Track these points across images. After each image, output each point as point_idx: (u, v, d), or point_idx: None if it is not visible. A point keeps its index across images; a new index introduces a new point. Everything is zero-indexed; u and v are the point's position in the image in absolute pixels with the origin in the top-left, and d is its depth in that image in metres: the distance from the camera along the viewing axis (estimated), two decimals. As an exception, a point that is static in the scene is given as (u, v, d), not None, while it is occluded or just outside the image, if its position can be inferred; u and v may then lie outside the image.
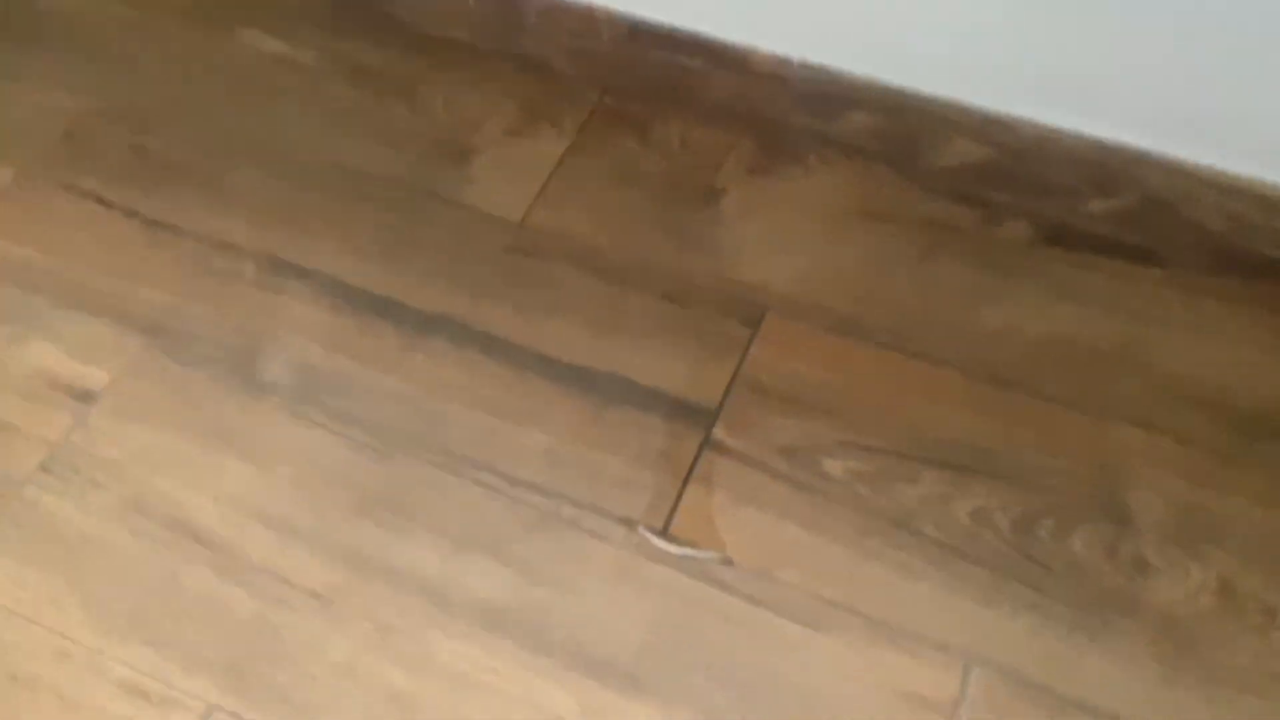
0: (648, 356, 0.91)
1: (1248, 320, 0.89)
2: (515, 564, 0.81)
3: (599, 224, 0.99)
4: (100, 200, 1.02)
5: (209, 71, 1.12)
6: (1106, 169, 0.91)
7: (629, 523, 0.82)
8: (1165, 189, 0.90)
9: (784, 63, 0.98)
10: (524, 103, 1.08)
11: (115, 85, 1.11)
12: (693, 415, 0.88)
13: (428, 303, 0.95)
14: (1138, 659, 0.75)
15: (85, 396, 0.90)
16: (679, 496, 0.84)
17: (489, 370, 0.91)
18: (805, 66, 0.97)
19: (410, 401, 0.89)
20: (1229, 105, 0.84)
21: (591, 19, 1.04)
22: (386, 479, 0.85)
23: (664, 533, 0.82)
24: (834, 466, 0.84)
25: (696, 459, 0.85)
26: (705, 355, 0.91)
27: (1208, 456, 0.83)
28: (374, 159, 1.05)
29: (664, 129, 1.06)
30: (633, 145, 1.05)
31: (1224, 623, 0.76)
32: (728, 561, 0.80)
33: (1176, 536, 0.79)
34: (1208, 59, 0.81)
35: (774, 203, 1.00)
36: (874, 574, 0.79)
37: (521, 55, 1.11)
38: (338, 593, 0.80)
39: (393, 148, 1.05)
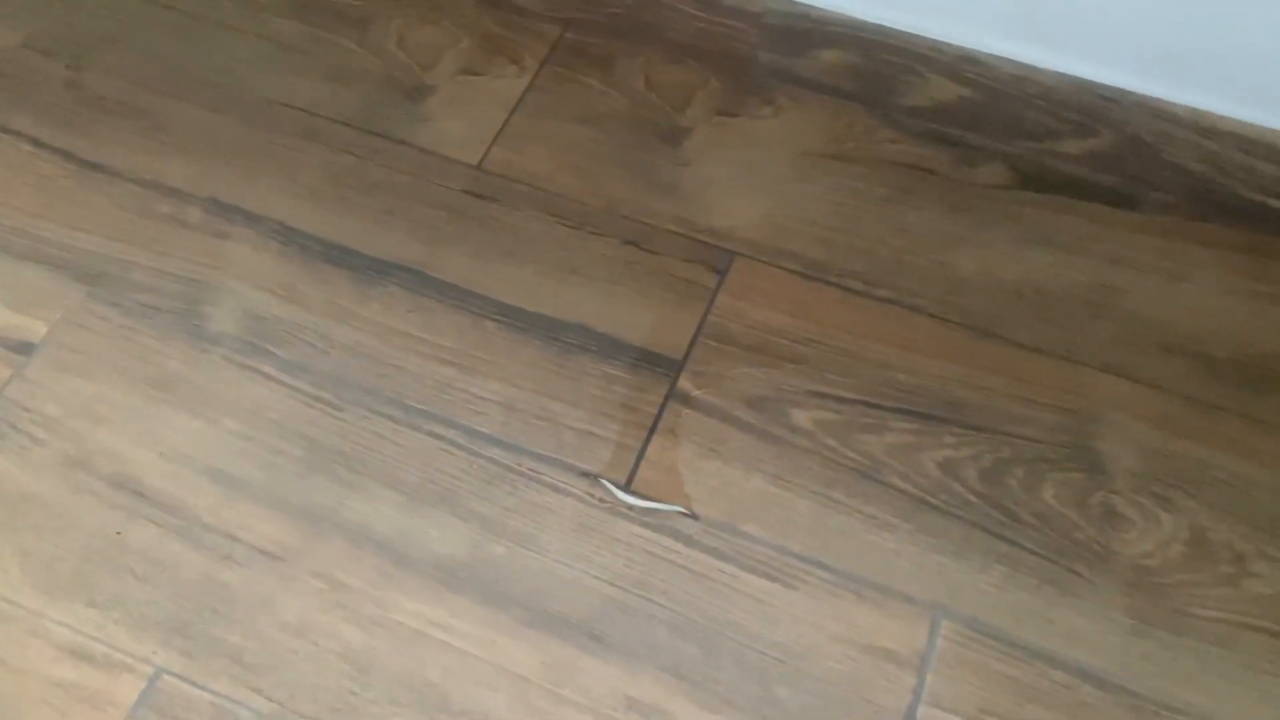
0: (611, 304, 0.88)
1: (1225, 266, 0.87)
2: (474, 519, 0.79)
3: (560, 166, 0.95)
4: (33, 141, 0.97)
5: (148, 2, 1.06)
6: (1084, 108, 0.88)
7: (591, 476, 0.80)
8: (1143, 129, 0.87)
9: (752, -4, 0.94)
10: (482, 38, 1.03)
11: (48, 16, 1.05)
12: (657, 365, 0.85)
13: (381, 249, 0.91)
14: (1108, 610, 0.74)
15: (22, 348, 0.86)
16: (643, 449, 0.81)
17: (445, 318, 0.87)
18: (774, 0, 0.93)
19: (364, 352, 0.86)
20: (1209, 43, 0.81)
21: (551, -51, 0.99)
22: (339, 432, 0.82)
23: (627, 486, 0.80)
24: (802, 417, 0.82)
25: (661, 410, 0.83)
26: (670, 303, 0.88)
27: (1181, 404, 0.81)
28: (324, 97, 1.00)
29: (628, 67, 1.01)
30: (595, 84, 1.00)
31: (1194, 573, 0.75)
32: (692, 515, 0.78)
33: (1148, 486, 0.78)
34: (1191, -8, 0.78)
35: (742, 144, 0.96)
36: (841, 526, 0.78)
37: (479, -12, 1.06)
38: (289, 550, 0.78)
39: (344, 85, 1.01)
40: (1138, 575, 0.75)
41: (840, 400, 0.83)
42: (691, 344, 0.86)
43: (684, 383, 0.84)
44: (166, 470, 0.81)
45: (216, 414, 0.83)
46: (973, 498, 0.78)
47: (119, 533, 0.78)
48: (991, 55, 0.88)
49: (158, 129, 0.98)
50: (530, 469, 0.80)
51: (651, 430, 0.82)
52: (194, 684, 0.73)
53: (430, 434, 0.82)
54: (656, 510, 0.79)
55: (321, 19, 1.05)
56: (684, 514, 0.79)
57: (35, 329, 0.87)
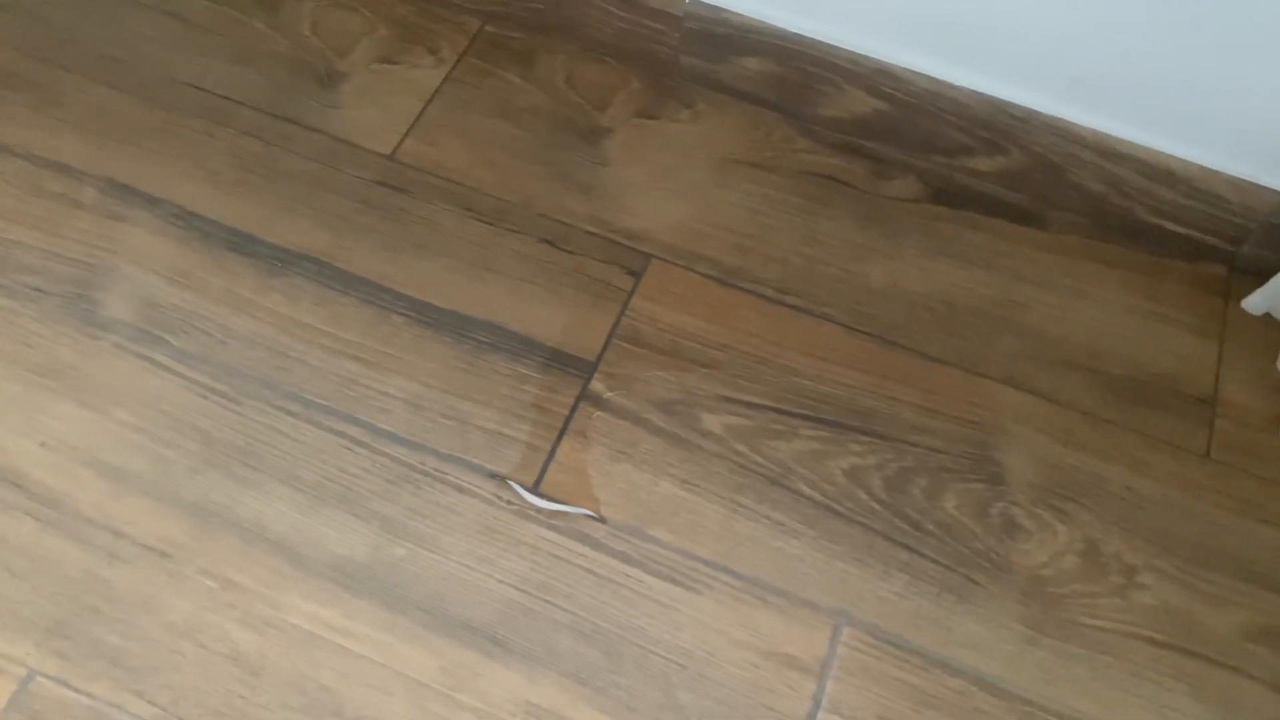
0: (524, 303, 0.86)
1: (1123, 285, 0.90)
2: (374, 520, 0.76)
3: (476, 160, 0.94)
4: (-86, 110, 0.92)
5: (45, -28, 1.01)
6: (995, 127, 0.90)
7: (498, 478, 0.79)
8: (1051, 150, 0.89)
9: (675, -1, 0.94)
10: (399, 27, 1.01)
11: (-66, -19, 1.00)
12: (570, 366, 0.84)
13: (286, 238, 0.88)
14: (1003, 620, 0.75)
15: (-107, 329, 0.81)
16: (552, 451, 0.80)
17: (351, 312, 0.85)
18: (697, 4, 0.93)
19: (264, 344, 0.83)
20: (1114, 69, 0.83)
21: (473, -60, 0.97)
22: (236, 427, 0.79)
23: (535, 488, 0.78)
24: (712, 422, 0.82)
25: (572, 412, 0.82)
26: (585, 303, 0.87)
27: (1079, 419, 0.83)
28: (231, 79, 0.96)
29: (549, 63, 1.00)
30: (515, 78, 0.99)
31: (1087, 583, 0.77)
32: (600, 519, 0.78)
33: (1045, 498, 0.80)
34: (1096, 21, 0.80)
35: (661, 146, 0.96)
36: (747, 532, 0.78)
37: (398, -25, 1.03)
38: (178, 548, 0.75)
39: (253, 68, 0.97)
40: (1033, 585, 0.76)
41: (751, 406, 0.83)
42: (605, 346, 0.85)
43: (596, 384, 0.83)
44: (49, 462, 0.77)
45: (106, 404, 0.80)
46: (877, 505, 0.79)
47: (-7, 527, 0.74)
48: (907, 70, 0.89)
49: (51, 103, 0.93)
50: (435, 469, 0.79)
51: (562, 432, 0.81)
52: (70, 687, 0.69)
53: (331, 430, 0.80)
54: (564, 513, 0.78)
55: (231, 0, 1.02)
56: (592, 517, 0.78)
57: (-92, 309, 0.82)
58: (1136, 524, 0.79)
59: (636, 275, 0.89)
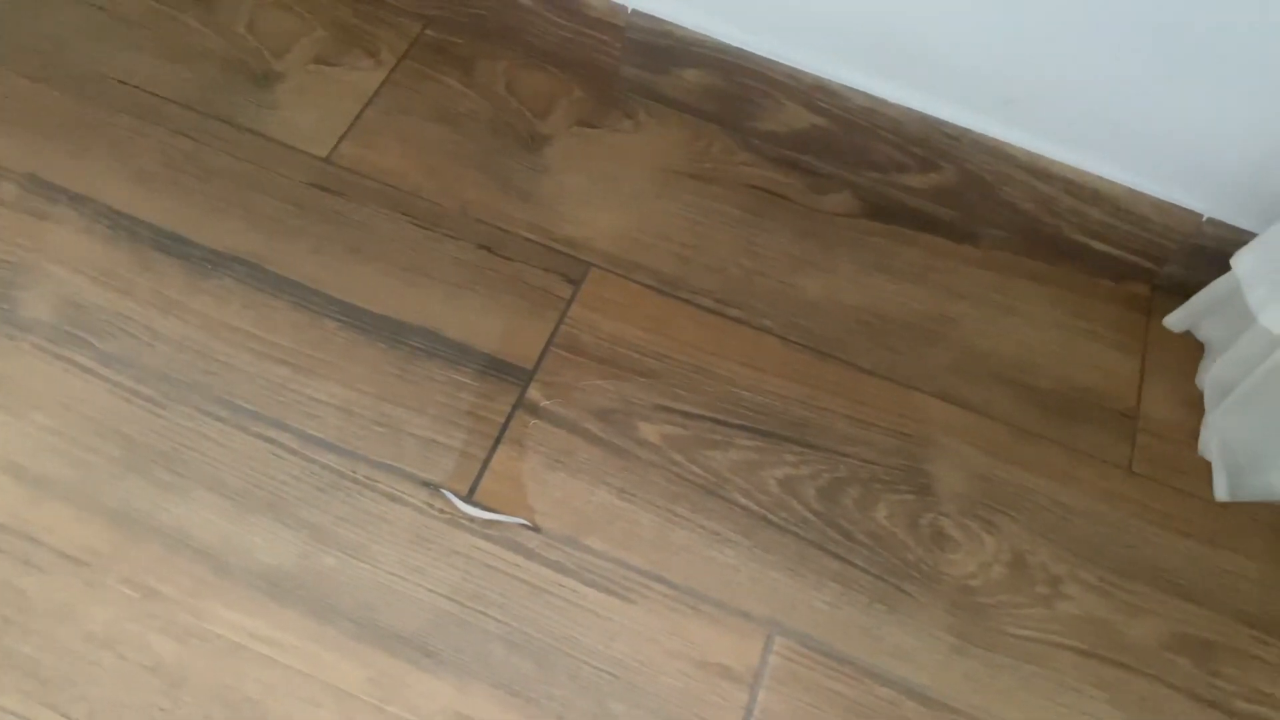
0: (461, 309, 0.86)
1: (1051, 302, 0.92)
2: (303, 528, 0.75)
3: (414, 164, 0.93)
4: None
5: (-32, -39, 0.98)
6: (928, 144, 0.91)
7: (431, 486, 0.78)
8: (983, 168, 0.91)
9: (617, 9, 0.94)
10: (338, 28, 1.00)
11: None
12: (507, 374, 0.83)
13: (217, 239, 0.86)
14: (932, 630, 0.76)
15: None
16: (487, 459, 0.79)
17: (282, 316, 0.83)
18: (639, 15, 0.93)
19: (191, 347, 0.81)
20: (1044, 90, 0.85)
21: (415, -57, 0.96)
22: (160, 431, 0.77)
23: (469, 497, 0.78)
24: (649, 431, 0.82)
25: (508, 420, 0.81)
26: (523, 310, 0.86)
27: (1007, 432, 0.85)
28: (163, 76, 0.94)
29: (489, 69, 1.00)
30: (454, 83, 0.98)
31: (1013, 594, 0.78)
32: (534, 528, 0.77)
33: (974, 509, 0.81)
34: (1028, 44, 0.82)
35: (602, 155, 0.96)
36: (682, 541, 0.78)
37: (337, -24, 1.02)
38: (98, 556, 0.72)
39: (185, 66, 0.95)
40: (961, 595, 0.78)
41: (687, 416, 0.83)
42: (542, 353, 0.85)
43: (533, 392, 0.83)
44: (-40, 466, 0.74)
45: (23, 407, 0.77)
46: (810, 515, 0.80)
47: (-100, 533, 0.71)
48: (845, 86, 0.90)
49: (-29, 96, 0.90)
50: (366, 477, 0.77)
51: (497, 440, 0.80)
52: (-21, 700, 0.67)
53: (260, 436, 0.78)
54: (498, 522, 0.77)
55: (164, -7, 0.99)
56: (526, 526, 0.77)
57: None
58: (1062, 535, 0.81)
59: (575, 283, 0.88)
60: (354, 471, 0.77)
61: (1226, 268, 0.83)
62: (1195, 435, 0.86)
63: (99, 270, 0.84)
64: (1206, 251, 0.89)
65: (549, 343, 0.85)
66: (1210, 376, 0.85)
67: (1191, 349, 0.90)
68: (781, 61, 0.92)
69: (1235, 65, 0.77)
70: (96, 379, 0.79)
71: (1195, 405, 0.87)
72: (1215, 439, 0.84)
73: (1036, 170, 0.90)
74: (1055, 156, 0.89)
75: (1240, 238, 0.86)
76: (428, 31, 1.01)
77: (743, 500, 0.80)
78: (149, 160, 0.90)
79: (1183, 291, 0.91)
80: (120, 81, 0.93)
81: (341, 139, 0.93)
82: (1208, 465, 0.84)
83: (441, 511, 0.77)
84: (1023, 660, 0.75)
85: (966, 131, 0.90)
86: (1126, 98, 0.83)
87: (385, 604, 0.73)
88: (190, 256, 0.85)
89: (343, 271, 0.86)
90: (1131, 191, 0.88)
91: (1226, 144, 0.83)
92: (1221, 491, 0.83)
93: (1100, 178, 0.89)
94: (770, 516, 0.79)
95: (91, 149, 0.89)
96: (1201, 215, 0.88)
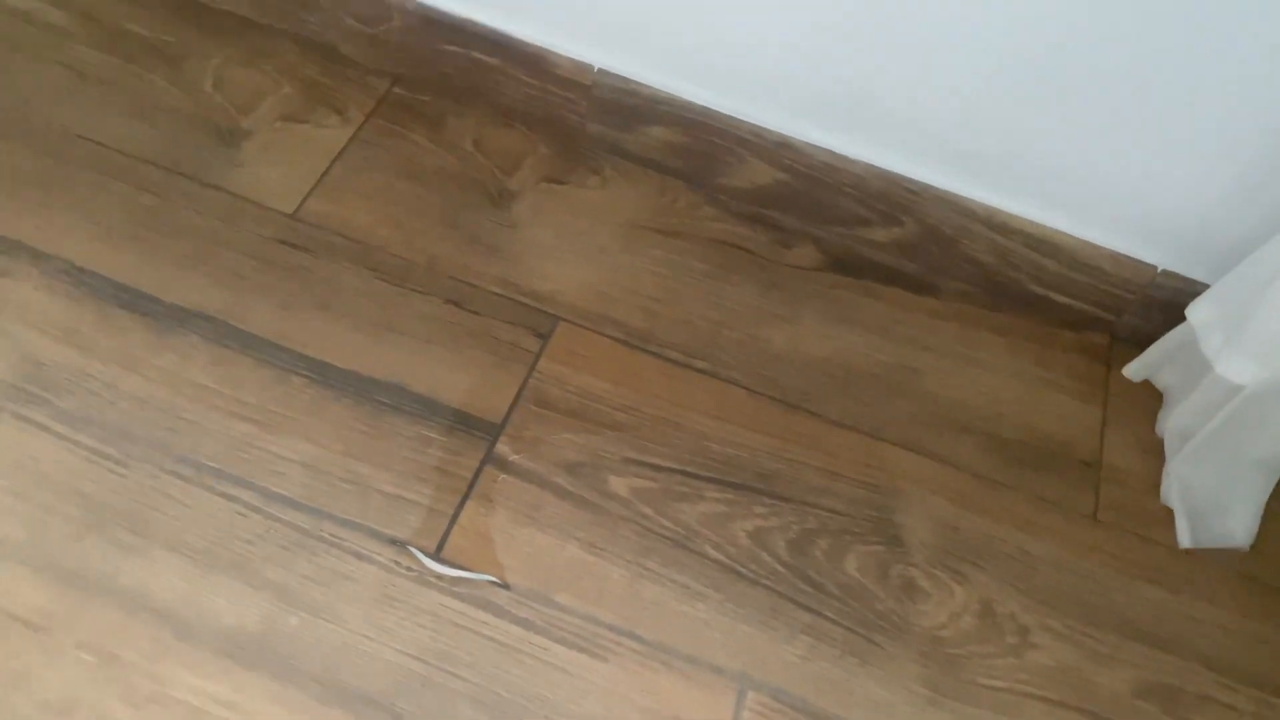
0: (428, 364, 0.85)
1: (1013, 352, 0.94)
2: (268, 588, 0.74)
3: (381, 220, 0.93)
4: None
5: (-68, 19, 0.98)
6: (890, 199, 0.93)
7: (398, 543, 0.77)
8: (943, 222, 0.93)
9: (584, 69, 0.95)
10: (306, 86, 1.00)
11: None
12: (475, 428, 0.83)
13: (182, 296, 0.86)
14: (905, 681, 0.76)
15: None
16: (455, 515, 0.79)
17: (248, 372, 0.83)
18: (605, 74, 0.95)
19: (155, 405, 0.80)
20: (1002, 146, 0.87)
21: (383, 3, 0.97)
22: (121, 491, 0.76)
23: (437, 554, 0.77)
24: (619, 484, 0.82)
25: (476, 475, 0.81)
26: (491, 365, 0.86)
27: (973, 482, 0.86)
28: (128, 133, 0.94)
29: (457, 126, 1.01)
30: (422, 140, 0.99)
31: (983, 644, 0.78)
32: (503, 585, 0.76)
33: (943, 559, 0.82)
34: (984, 102, 0.84)
35: (569, 211, 0.97)
36: (653, 596, 0.77)
37: (306, 36, 1.03)
38: (55, 619, 0.70)
39: (152, 123, 0.95)
40: (932, 646, 0.78)
41: (657, 469, 0.83)
42: (511, 408, 0.84)
43: (502, 447, 0.82)
44: (-87, 529, 0.73)
45: (-22, 467, 0.76)
46: (781, 568, 0.80)
47: None
48: (807, 143, 0.92)
49: (-68, 153, 0.90)
50: (332, 534, 0.76)
51: (466, 495, 0.80)
52: (-73, 773, 0.65)
53: (223, 495, 0.77)
54: (466, 579, 0.76)
55: (131, 52, 1.00)
56: (495, 583, 0.76)
57: None
58: (1030, 584, 0.81)
59: (544, 337, 0.88)
60: (319, 529, 0.76)
61: (1183, 318, 0.85)
62: (1158, 483, 0.87)
63: (60, 328, 0.83)
64: (1162, 302, 0.91)
65: (517, 397, 0.85)
66: (1170, 424, 0.87)
67: (1151, 397, 0.92)
68: (745, 119, 0.94)
69: (1178, 121, 0.80)
70: (55, 437, 0.77)
71: (1157, 453, 0.89)
72: (1176, 486, 0.85)
73: (995, 224, 0.92)
74: (1013, 210, 0.91)
75: (1194, 288, 0.88)
76: (395, 89, 1.02)
77: (713, 553, 0.80)
78: (114, 217, 0.89)
79: (1141, 341, 0.93)
80: (86, 139, 0.93)
81: (308, 195, 0.93)
82: (1171, 512, 0.86)
83: (409, 569, 0.76)
84: (995, 711, 0.75)
85: (927, 186, 0.92)
86: (1080, 152, 0.85)
87: (351, 664, 0.72)
88: (154, 313, 0.84)
89: (310, 327, 0.85)
90: (1088, 244, 0.91)
91: (1176, 197, 0.85)
92: (1184, 538, 0.84)
93: (1057, 231, 0.91)
94: (741, 569, 0.79)
95: (55, 206, 0.89)
96: (1156, 267, 0.90)
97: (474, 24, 0.96)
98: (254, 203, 0.92)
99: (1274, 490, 0.85)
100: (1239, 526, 0.83)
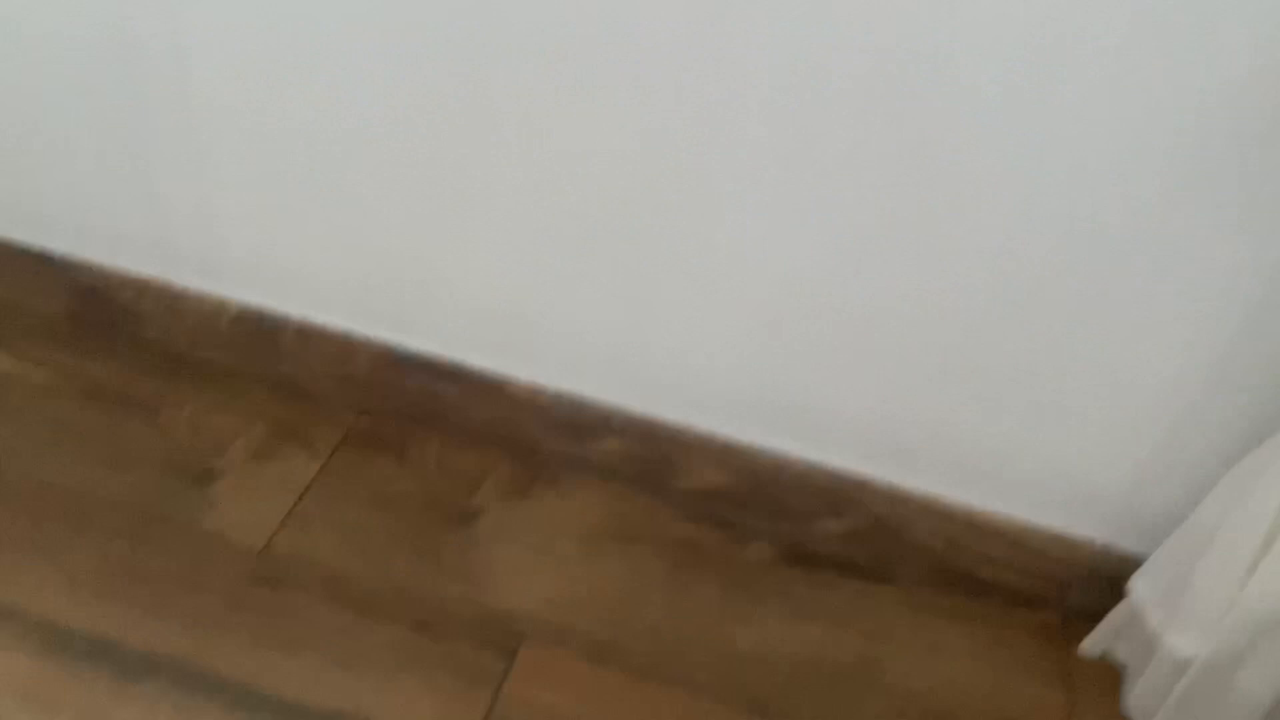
0: (395, 695, 0.86)
1: (970, 637, 0.95)
2: None
3: (349, 549, 0.96)
4: None
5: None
6: (833, 494, 0.98)
7: None
8: (886, 513, 0.98)
9: (539, 391, 1.02)
10: (275, 424, 1.06)
11: None
12: (442, 759, 0.82)
13: (148, 642, 0.86)
14: None
15: None
16: None
17: (212, 716, 0.82)
18: (559, 395, 1.02)
19: (117, 761, 0.79)
20: (930, 438, 0.93)
21: (349, 345, 1.05)
22: None
23: None
24: (591, 809, 0.80)
25: (445, 809, 0.79)
26: (457, 690, 0.86)
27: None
28: (100, 481, 0.98)
29: (420, 450, 1.06)
30: (388, 466, 1.04)
31: None
32: None
33: None
34: (906, 399, 0.91)
35: (530, 525, 1.00)
36: None
37: (276, 378, 1.10)
38: None
39: (123, 470, 0.99)
40: None
41: (629, 789, 0.82)
42: (479, 733, 0.84)
43: (470, 778, 0.81)
44: None
45: (-71, 846, 0.73)
46: None
47: None
48: (751, 446, 0.98)
49: (-90, 516, 0.93)
50: None
51: (435, 834, 0.78)
52: None
53: None
54: None
55: (108, 404, 1.05)
56: None
57: None
58: None
59: (510, 656, 0.89)
60: None
61: (1126, 592, 0.88)
62: (1130, 763, 0.87)
63: (24, 687, 0.82)
64: (1105, 577, 0.94)
65: None
66: (1132, 702, 0.88)
67: (1111, 672, 0.93)
68: (693, 427, 1.00)
69: (1088, 404, 0.86)
70: (13, 806, 0.76)
71: (1126, 731, 0.89)
72: (1151, 765, 0.85)
73: (936, 511, 0.96)
74: (952, 498, 0.96)
75: (1134, 560, 0.91)
76: (361, 421, 1.08)
77: None
78: (82, 566, 0.91)
79: (1092, 617, 0.95)
80: (55, 486, 0.97)
81: (277, 531, 0.96)
82: (1150, 794, 0.85)
83: None
84: None
85: (867, 480, 0.97)
86: (1003, 435, 0.91)
87: None
88: (122, 662, 0.85)
89: (278, 666, 0.86)
90: (1025, 525, 0.95)
91: (1098, 474, 0.90)
92: (1168, 821, 0.82)
93: (995, 514, 0.95)
94: None
95: (23, 560, 0.91)
96: (1094, 541, 0.94)
97: (435, 358, 1.04)
98: (226, 541, 0.95)
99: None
100: (1219, 804, 0.82)
